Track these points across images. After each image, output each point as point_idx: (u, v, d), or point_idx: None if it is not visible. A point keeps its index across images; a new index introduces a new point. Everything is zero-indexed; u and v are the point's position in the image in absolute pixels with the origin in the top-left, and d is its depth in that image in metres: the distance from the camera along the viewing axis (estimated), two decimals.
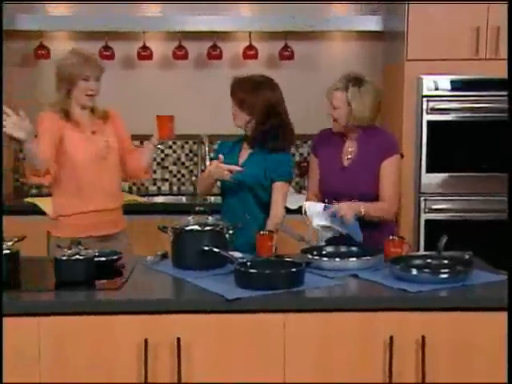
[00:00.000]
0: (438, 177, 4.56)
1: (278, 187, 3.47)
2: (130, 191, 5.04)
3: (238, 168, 3.38)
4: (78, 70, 3.46)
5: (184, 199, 4.97)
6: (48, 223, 3.67)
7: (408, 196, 4.53)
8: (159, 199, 5.00)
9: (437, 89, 4.50)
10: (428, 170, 4.55)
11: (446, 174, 4.57)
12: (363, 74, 3.46)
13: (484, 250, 3.21)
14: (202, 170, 4.96)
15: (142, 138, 5.00)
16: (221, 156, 3.39)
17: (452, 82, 4.49)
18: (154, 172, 5.11)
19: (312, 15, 4.95)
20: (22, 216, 4.50)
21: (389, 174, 3.41)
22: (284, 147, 3.52)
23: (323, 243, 3.26)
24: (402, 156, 3.51)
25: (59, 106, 3.50)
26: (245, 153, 3.56)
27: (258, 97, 3.44)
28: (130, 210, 4.22)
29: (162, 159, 5.16)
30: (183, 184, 5.16)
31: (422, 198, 4.56)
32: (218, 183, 3.59)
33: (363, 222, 3.27)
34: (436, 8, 4.45)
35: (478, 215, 4.55)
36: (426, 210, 4.55)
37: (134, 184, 5.13)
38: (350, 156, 3.47)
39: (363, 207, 3.28)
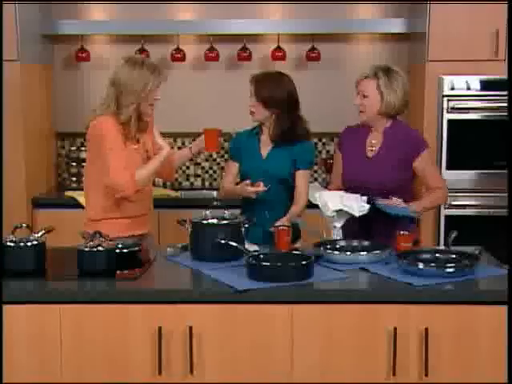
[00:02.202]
0: (458, 174, 4.46)
1: (303, 175, 3.48)
2: (165, 186, 5.05)
3: (264, 189, 3.33)
4: (154, 83, 3.21)
5: (215, 194, 4.96)
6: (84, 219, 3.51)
7: None
8: (191, 194, 5.01)
9: (457, 88, 4.40)
10: (448, 167, 4.46)
11: (466, 171, 4.47)
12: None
13: (502, 245, 3.15)
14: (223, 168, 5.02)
15: (174, 136, 5.07)
16: (248, 181, 3.35)
17: (472, 82, 4.39)
18: (187, 168, 5.13)
19: (338, 18, 4.90)
20: (62, 209, 4.56)
21: (428, 166, 3.35)
22: (305, 136, 3.50)
23: (339, 229, 3.18)
24: None
25: (121, 120, 3.20)
26: (265, 146, 3.52)
27: (282, 91, 3.43)
28: (163, 204, 4.26)
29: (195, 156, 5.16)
30: (215, 180, 5.16)
31: None
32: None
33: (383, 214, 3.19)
34: (456, 11, 4.37)
35: (497, 211, 4.44)
36: (446, 206, 4.45)
37: None
38: (374, 148, 3.39)
39: (415, 205, 3.25)
